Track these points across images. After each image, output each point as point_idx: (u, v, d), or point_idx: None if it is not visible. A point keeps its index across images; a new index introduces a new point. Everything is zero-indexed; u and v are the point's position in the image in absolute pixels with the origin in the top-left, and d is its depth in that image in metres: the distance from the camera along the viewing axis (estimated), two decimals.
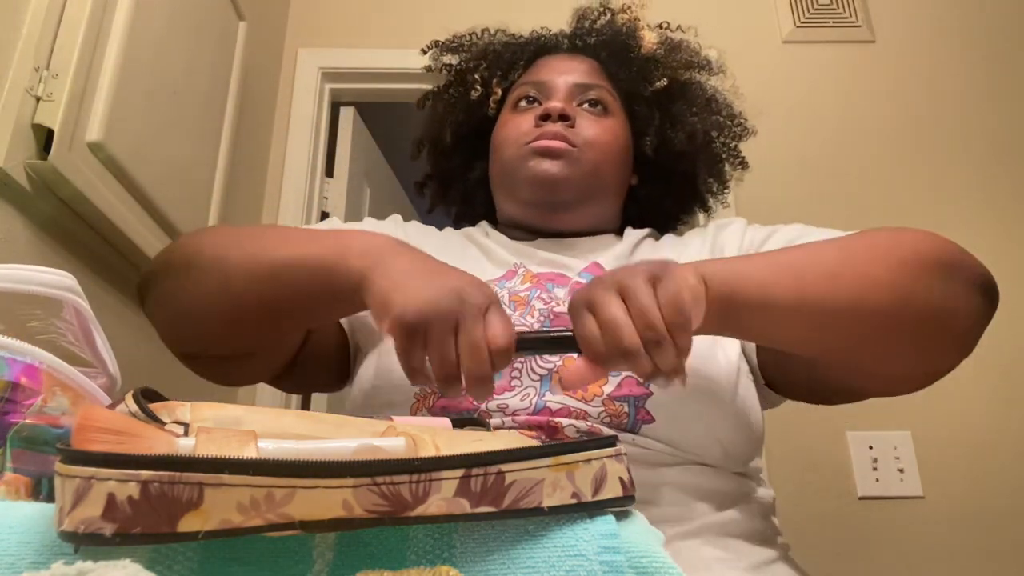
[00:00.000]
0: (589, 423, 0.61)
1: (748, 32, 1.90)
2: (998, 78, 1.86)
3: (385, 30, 1.92)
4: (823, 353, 0.60)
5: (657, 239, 0.88)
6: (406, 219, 0.93)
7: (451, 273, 0.51)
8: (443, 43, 1.04)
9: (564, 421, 0.61)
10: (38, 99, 0.91)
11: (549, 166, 0.80)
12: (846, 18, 1.93)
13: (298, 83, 1.86)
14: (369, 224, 0.89)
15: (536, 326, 0.66)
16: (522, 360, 0.65)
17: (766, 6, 1.96)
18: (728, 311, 0.53)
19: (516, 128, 0.85)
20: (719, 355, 0.68)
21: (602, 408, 0.62)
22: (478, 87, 0.97)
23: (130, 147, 1.07)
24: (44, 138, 0.91)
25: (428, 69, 1.06)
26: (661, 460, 0.61)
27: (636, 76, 0.93)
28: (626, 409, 0.62)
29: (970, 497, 1.47)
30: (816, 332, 0.57)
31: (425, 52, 1.06)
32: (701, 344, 0.66)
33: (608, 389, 0.62)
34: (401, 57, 1.80)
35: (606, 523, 0.32)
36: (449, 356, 0.46)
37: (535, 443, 0.33)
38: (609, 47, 0.95)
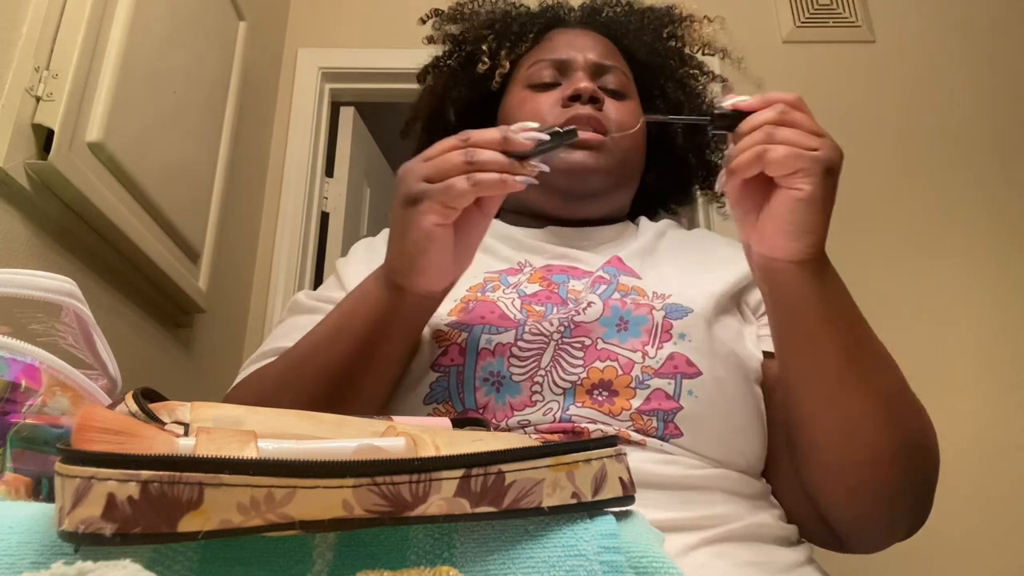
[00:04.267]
0: (617, 429, 0.60)
1: (748, 32, 1.90)
2: (998, 78, 1.86)
3: (385, 30, 1.92)
4: (809, 394, 0.60)
5: (677, 227, 0.86)
6: None
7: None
8: (444, 12, 1.00)
9: (590, 428, 0.60)
10: (38, 99, 0.91)
11: (584, 157, 0.77)
12: (846, 18, 1.94)
13: (298, 83, 1.86)
14: (361, 247, 0.86)
15: (555, 336, 0.64)
16: (543, 374, 0.63)
17: (766, 6, 1.96)
18: (818, 272, 0.56)
19: (536, 109, 0.82)
20: (751, 364, 0.67)
21: (630, 422, 0.60)
22: (485, 59, 0.92)
23: (130, 147, 1.07)
24: (44, 138, 0.91)
25: (430, 40, 1.01)
26: (690, 466, 0.60)
27: (653, 54, 0.92)
28: (654, 424, 0.60)
29: (970, 497, 1.47)
30: (833, 368, 0.57)
31: (425, 21, 1.01)
32: (732, 354, 0.66)
33: (636, 403, 0.60)
34: (401, 57, 1.80)
35: (606, 523, 0.31)
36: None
37: (535, 443, 0.33)
38: (625, 23, 0.93)
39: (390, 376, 0.63)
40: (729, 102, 0.57)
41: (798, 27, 1.93)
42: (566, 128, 0.55)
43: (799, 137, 0.52)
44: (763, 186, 0.55)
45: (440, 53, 1.00)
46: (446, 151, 0.54)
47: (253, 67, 1.61)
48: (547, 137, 0.54)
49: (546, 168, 0.56)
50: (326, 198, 1.87)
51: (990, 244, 1.70)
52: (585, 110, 0.78)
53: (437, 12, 1.01)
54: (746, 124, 0.54)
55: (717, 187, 0.59)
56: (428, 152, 0.56)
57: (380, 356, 0.61)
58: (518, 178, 0.54)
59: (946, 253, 1.68)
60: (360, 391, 0.61)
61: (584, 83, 0.80)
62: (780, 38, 1.92)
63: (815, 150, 0.52)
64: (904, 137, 1.80)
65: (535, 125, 0.56)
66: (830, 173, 0.53)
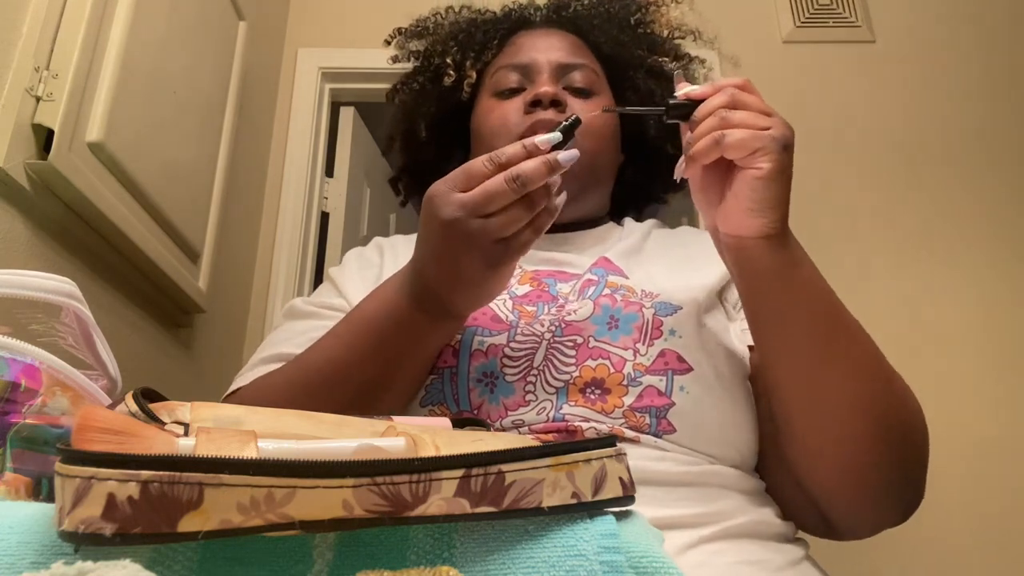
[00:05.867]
0: (610, 427, 0.60)
1: (748, 32, 1.90)
2: (998, 78, 1.86)
3: (385, 30, 1.91)
4: (786, 372, 0.60)
5: (662, 227, 0.86)
6: (405, 219, 0.92)
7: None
8: (408, 29, 1.00)
9: (584, 426, 0.60)
10: (38, 99, 0.91)
11: None
12: (846, 18, 1.93)
13: (298, 83, 1.86)
14: (353, 256, 0.85)
15: (547, 336, 0.64)
16: (536, 373, 0.63)
17: (766, 6, 1.96)
18: (784, 246, 0.57)
19: (503, 117, 0.81)
20: (740, 359, 0.67)
21: (623, 420, 0.60)
22: (451, 72, 0.92)
23: (130, 147, 1.07)
24: (44, 138, 0.91)
25: (395, 59, 1.01)
26: (685, 462, 0.60)
27: (620, 46, 0.91)
28: (647, 420, 0.60)
29: (970, 497, 1.47)
30: (805, 344, 0.58)
31: (389, 42, 1.01)
32: (722, 349, 0.66)
33: (629, 400, 0.61)
34: None
35: (606, 523, 0.31)
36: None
37: (535, 443, 0.33)
38: (590, 16, 0.92)
39: (415, 391, 0.64)
40: (681, 92, 0.59)
41: (798, 27, 1.93)
42: (570, 120, 0.56)
43: (752, 118, 0.54)
44: (722, 169, 0.57)
45: (408, 71, 1.00)
46: (498, 193, 0.53)
47: (253, 67, 1.61)
48: (560, 136, 0.55)
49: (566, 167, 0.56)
50: (326, 198, 1.86)
51: (991, 244, 1.69)
52: (547, 115, 0.77)
53: (400, 31, 1.00)
54: (700, 111, 0.56)
55: (676, 175, 0.60)
56: (480, 200, 0.53)
57: (413, 373, 0.63)
58: (556, 198, 0.56)
59: (947, 254, 1.68)
60: (388, 402, 0.62)
61: (544, 87, 0.79)
62: (780, 38, 1.92)
63: (768, 129, 0.54)
64: (904, 137, 1.80)
65: (545, 135, 0.56)
66: (786, 149, 0.55)
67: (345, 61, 1.89)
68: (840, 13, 1.94)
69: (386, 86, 1.88)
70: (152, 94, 1.14)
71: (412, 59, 1.00)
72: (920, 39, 1.90)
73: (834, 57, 1.89)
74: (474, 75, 0.91)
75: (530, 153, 0.54)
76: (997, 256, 1.69)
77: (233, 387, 0.70)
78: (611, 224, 0.86)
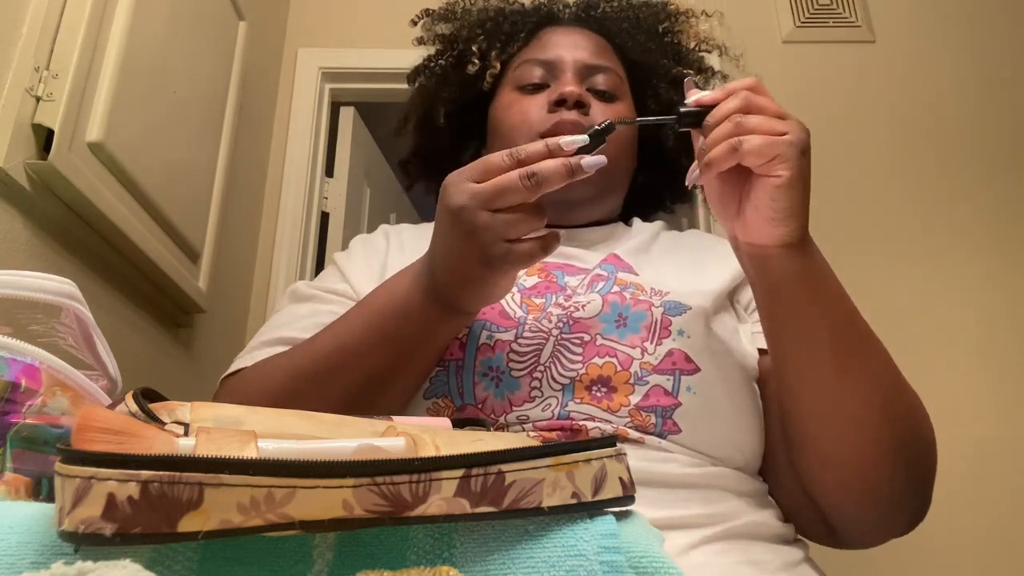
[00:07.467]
0: (615, 427, 0.60)
1: (748, 32, 1.90)
2: (998, 78, 1.86)
3: (385, 30, 1.92)
4: (803, 377, 0.59)
5: (670, 229, 0.86)
6: (405, 218, 0.91)
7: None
8: (436, 11, 0.98)
9: (589, 424, 0.60)
10: (38, 99, 0.91)
11: None
12: (846, 18, 1.94)
13: (298, 83, 1.86)
14: (358, 242, 0.85)
15: (554, 332, 0.64)
16: (543, 370, 0.63)
17: (766, 6, 1.96)
18: (806, 253, 0.56)
19: (524, 113, 0.80)
20: (748, 362, 0.67)
21: (628, 419, 0.60)
22: (475, 61, 0.91)
23: (130, 147, 1.07)
24: (44, 138, 0.91)
25: (420, 41, 1.00)
26: (689, 464, 0.59)
27: (647, 53, 0.90)
28: (653, 420, 0.60)
29: (970, 498, 1.47)
30: (822, 354, 0.57)
31: (415, 23, 0.99)
32: (730, 351, 0.66)
33: (635, 399, 0.60)
34: (401, 57, 1.79)
35: (606, 523, 0.31)
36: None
37: (535, 443, 0.33)
38: (619, 20, 0.91)
39: (421, 383, 0.64)
40: (692, 99, 0.57)
41: (798, 27, 1.93)
42: (603, 124, 0.55)
43: (768, 123, 0.52)
44: (739, 176, 0.55)
45: (431, 53, 0.98)
46: (510, 188, 0.52)
47: (253, 67, 1.61)
48: (587, 140, 0.54)
49: (596, 164, 0.54)
50: (326, 198, 1.86)
51: (991, 244, 1.70)
52: (570, 115, 0.76)
53: (428, 12, 0.99)
54: (713, 116, 0.54)
55: (688, 182, 0.59)
56: (490, 192, 0.52)
57: (421, 365, 0.62)
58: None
59: (946, 253, 1.68)
60: (393, 395, 0.62)
61: (569, 87, 0.78)
62: (780, 38, 1.92)
63: (785, 134, 0.52)
64: (904, 137, 1.81)
65: (571, 137, 0.54)
66: (804, 154, 0.53)
67: (345, 61, 1.89)
68: (840, 13, 1.94)
69: (386, 86, 1.89)
70: (152, 94, 1.14)
71: (436, 43, 0.99)
72: (920, 39, 1.90)
73: (834, 57, 1.89)
74: (498, 66, 0.90)
75: (552, 152, 0.53)
76: (997, 256, 1.69)
77: (234, 368, 0.70)
78: (620, 224, 0.86)
